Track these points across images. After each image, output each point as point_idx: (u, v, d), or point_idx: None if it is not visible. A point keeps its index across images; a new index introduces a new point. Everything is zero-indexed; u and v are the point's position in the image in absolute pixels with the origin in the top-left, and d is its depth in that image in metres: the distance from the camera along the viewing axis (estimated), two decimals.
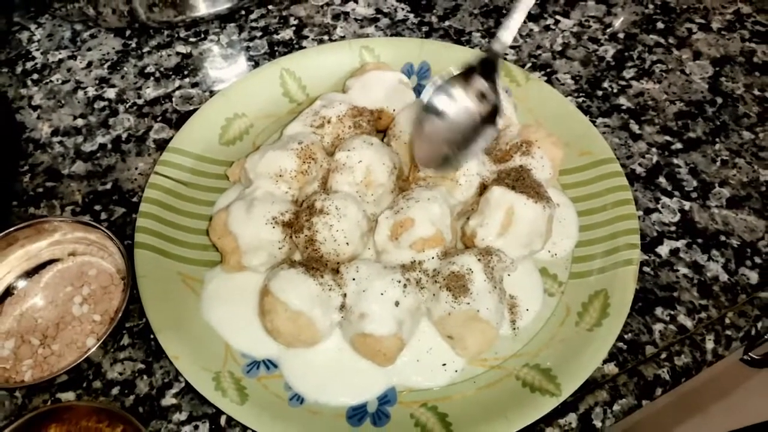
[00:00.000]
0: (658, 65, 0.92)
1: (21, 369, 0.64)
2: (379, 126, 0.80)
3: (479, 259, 0.64)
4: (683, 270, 0.72)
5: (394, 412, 0.62)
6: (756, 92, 0.89)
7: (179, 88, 0.90)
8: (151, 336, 0.66)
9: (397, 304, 0.62)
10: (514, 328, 0.67)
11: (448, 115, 0.69)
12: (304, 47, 0.95)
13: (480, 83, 0.69)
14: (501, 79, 0.84)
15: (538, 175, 0.70)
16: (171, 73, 0.92)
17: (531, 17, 0.99)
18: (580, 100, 0.88)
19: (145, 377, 0.65)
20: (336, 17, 1.00)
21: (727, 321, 0.68)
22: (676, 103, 0.88)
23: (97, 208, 0.77)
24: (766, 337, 0.88)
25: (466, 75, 0.69)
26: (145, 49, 0.96)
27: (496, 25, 0.98)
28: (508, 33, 0.68)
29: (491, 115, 0.68)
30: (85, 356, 0.62)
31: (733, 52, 0.94)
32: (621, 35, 0.97)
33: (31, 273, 0.70)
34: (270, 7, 1.01)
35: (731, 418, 1.10)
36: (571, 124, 0.79)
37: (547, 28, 0.98)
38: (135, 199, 0.78)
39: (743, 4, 1.02)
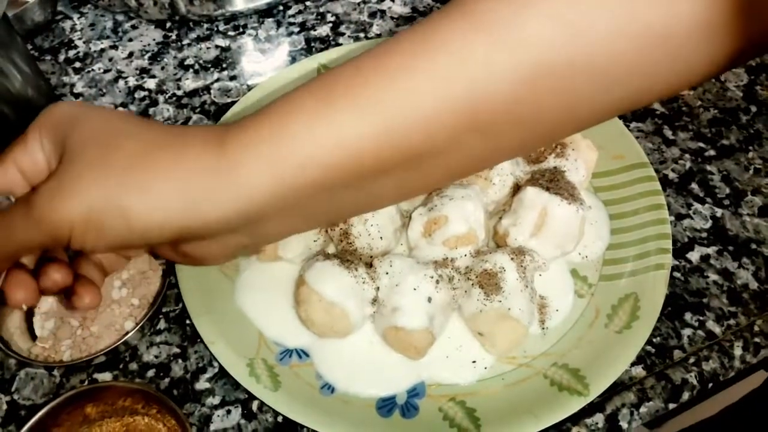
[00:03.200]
0: None
1: (60, 349, 0.66)
2: None
3: (512, 258, 0.64)
4: (713, 276, 0.72)
5: (422, 405, 0.63)
6: None
7: (217, 80, 0.92)
8: (187, 321, 0.68)
9: (429, 299, 0.63)
10: (544, 328, 0.67)
11: None
12: (341, 44, 0.96)
13: None
14: None
15: (571, 177, 0.71)
16: (210, 65, 0.94)
17: None
18: None
19: (180, 361, 0.67)
20: (372, 15, 1.01)
21: (756, 328, 0.68)
22: (711, 109, 0.88)
23: None
24: None
25: None
26: (185, 42, 0.97)
27: None
28: None
29: None
30: (123, 339, 0.64)
31: None
32: None
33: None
34: (308, 3, 1.03)
35: None
36: (606, 128, 0.78)
37: None
38: None
39: None
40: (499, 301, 0.63)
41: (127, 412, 0.62)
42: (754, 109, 0.88)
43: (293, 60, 0.94)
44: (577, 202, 0.68)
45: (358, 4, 1.03)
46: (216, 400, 0.64)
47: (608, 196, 0.76)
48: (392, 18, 1.01)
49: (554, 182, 0.68)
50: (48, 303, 0.69)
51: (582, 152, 0.72)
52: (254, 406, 0.64)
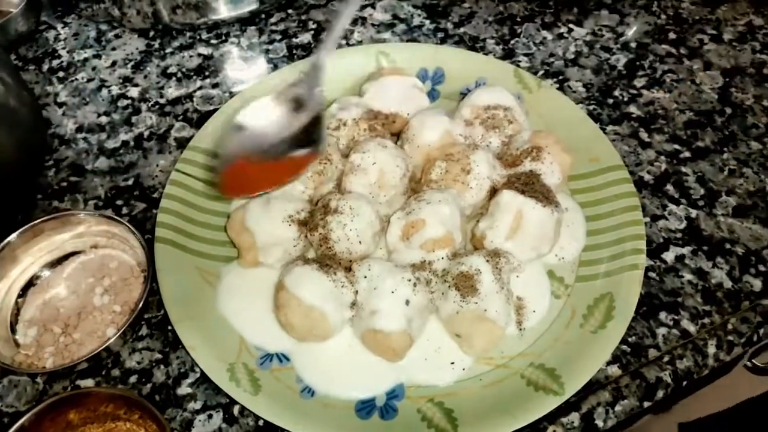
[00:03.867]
0: (669, 75, 0.94)
1: (43, 356, 0.67)
2: (393, 129, 0.82)
3: (488, 260, 0.66)
4: (688, 276, 0.73)
5: (401, 406, 0.64)
6: (765, 103, 0.90)
7: (200, 88, 0.93)
8: (169, 327, 0.69)
9: (407, 302, 0.64)
10: (521, 329, 0.68)
11: (255, 129, 0.66)
12: None
13: (299, 93, 0.66)
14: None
15: (547, 180, 0.72)
16: (192, 73, 0.95)
17: (544, 25, 1.01)
18: (591, 107, 0.89)
19: (162, 367, 0.67)
20: (354, 22, 1.02)
21: (730, 327, 0.69)
22: (686, 112, 0.89)
23: (119, 202, 0.80)
24: None
25: (284, 90, 0.67)
26: (168, 50, 0.98)
27: (510, 33, 1.00)
28: (330, 43, 0.68)
29: (312, 127, 0.65)
30: (105, 345, 0.64)
31: (744, 63, 0.96)
32: (633, 44, 0.98)
33: (54, 264, 0.73)
34: (290, 11, 1.04)
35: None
36: (582, 131, 0.81)
37: (560, 36, 1.00)
38: (155, 195, 0.80)
39: (755, 16, 1.03)
40: (476, 303, 0.64)
41: (109, 417, 0.62)
42: (729, 111, 0.89)
43: (275, 67, 0.95)
44: (551, 204, 0.69)
45: None
46: (197, 405, 0.65)
47: (584, 198, 0.77)
48: (373, 25, 1.02)
49: (530, 185, 0.69)
50: (31, 311, 0.70)
51: (557, 155, 0.74)
52: (235, 410, 0.64)
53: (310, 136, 0.66)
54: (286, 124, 0.67)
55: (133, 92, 0.93)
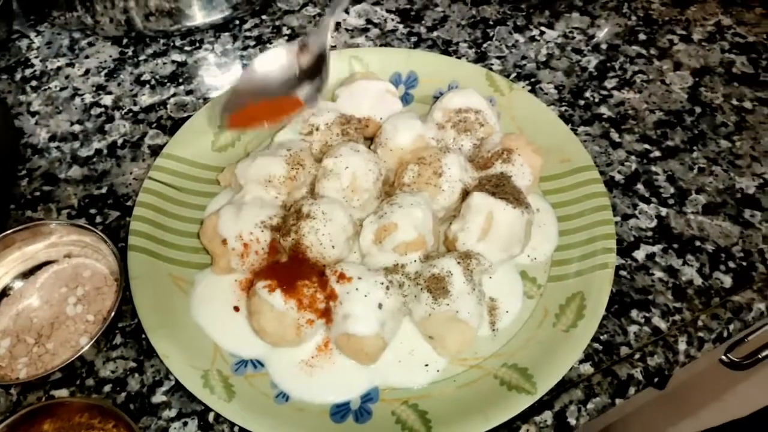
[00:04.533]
0: (639, 75, 0.95)
1: (16, 367, 0.67)
2: (366, 134, 0.82)
3: (459, 262, 0.66)
4: (659, 274, 0.74)
5: (376, 409, 0.64)
6: (734, 102, 0.91)
7: (174, 95, 0.93)
8: (143, 336, 0.68)
9: (380, 306, 0.64)
10: (494, 329, 0.69)
11: (265, 71, 0.75)
12: None
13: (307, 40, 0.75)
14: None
15: (518, 182, 0.73)
16: (166, 80, 0.95)
17: (516, 28, 1.02)
18: (563, 109, 0.90)
19: (136, 375, 0.67)
20: None
21: (700, 323, 0.70)
22: (656, 112, 0.90)
23: (93, 211, 0.80)
24: (746, 339, 0.91)
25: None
26: (141, 57, 0.98)
27: (483, 37, 1.01)
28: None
29: (317, 68, 0.74)
30: (79, 355, 0.64)
31: (713, 63, 0.97)
32: (604, 46, 1.00)
33: (27, 274, 0.73)
34: (264, 17, 1.04)
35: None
36: (553, 133, 0.82)
37: (532, 39, 1.01)
38: (129, 203, 0.80)
39: (724, 16, 1.04)
40: (447, 305, 0.64)
41: (83, 427, 0.62)
42: (698, 110, 0.91)
43: None
44: (522, 206, 0.69)
45: (314, 17, 1.04)
46: (172, 413, 0.65)
47: (556, 199, 0.78)
48: (347, 30, 1.02)
49: (500, 187, 0.70)
50: (4, 322, 0.70)
51: (528, 157, 0.74)
52: (210, 417, 0.64)
53: (315, 73, 0.75)
54: (293, 65, 0.76)
55: (107, 100, 0.92)
